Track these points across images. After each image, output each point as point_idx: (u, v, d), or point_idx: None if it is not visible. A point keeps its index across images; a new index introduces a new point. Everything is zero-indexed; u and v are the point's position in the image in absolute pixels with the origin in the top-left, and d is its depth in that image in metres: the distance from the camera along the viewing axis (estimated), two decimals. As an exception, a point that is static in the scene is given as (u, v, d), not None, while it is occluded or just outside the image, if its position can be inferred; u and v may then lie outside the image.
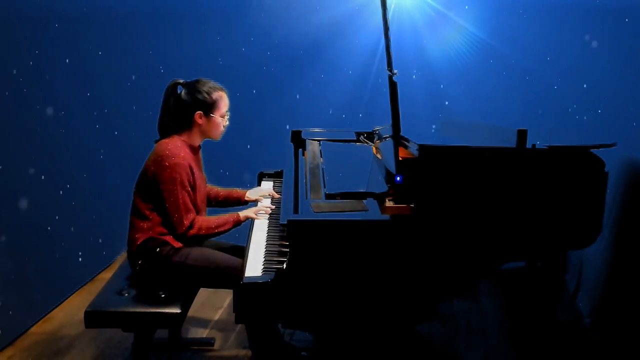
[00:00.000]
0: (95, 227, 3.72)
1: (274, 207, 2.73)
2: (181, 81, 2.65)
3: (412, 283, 2.14)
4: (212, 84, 2.63)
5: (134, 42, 3.92)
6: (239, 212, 2.67)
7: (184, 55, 3.95)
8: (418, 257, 2.13)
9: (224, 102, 2.64)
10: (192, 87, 2.61)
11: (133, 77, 3.90)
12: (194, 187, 2.58)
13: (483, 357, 2.97)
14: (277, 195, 2.91)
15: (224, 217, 2.63)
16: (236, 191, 2.95)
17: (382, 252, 2.10)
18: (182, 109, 2.61)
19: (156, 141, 2.64)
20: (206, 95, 2.59)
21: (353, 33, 4.07)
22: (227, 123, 2.70)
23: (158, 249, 2.54)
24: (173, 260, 2.54)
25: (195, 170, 2.60)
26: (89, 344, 3.04)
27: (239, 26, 4.06)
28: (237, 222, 2.65)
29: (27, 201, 3.09)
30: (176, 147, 2.55)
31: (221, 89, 2.65)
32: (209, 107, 2.60)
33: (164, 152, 2.53)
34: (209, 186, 2.91)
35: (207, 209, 2.87)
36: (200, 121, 2.61)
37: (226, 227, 2.61)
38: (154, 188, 2.53)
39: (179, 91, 2.64)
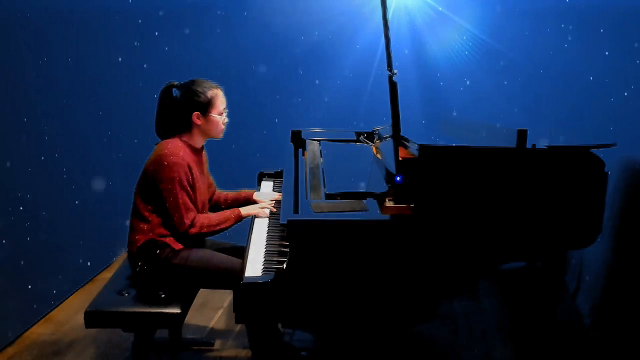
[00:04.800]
0: (95, 227, 3.72)
1: (274, 207, 2.72)
2: (175, 83, 2.63)
3: (412, 283, 2.14)
4: (206, 83, 2.61)
5: (135, 43, 3.92)
6: (239, 209, 2.67)
7: (184, 56, 3.95)
8: (418, 257, 2.13)
9: (220, 100, 2.62)
10: (187, 88, 2.59)
11: (134, 78, 3.90)
12: (193, 187, 2.57)
13: (483, 357, 2.97)
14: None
15: (225, 214, 2.62)
16: (244, 192, 2.95)
17: (382, 252, 2.10)
18: (180, 111, 2.59)
19: (157, 143, 2.64)
20: (201, 95, 2.57)
21: (353, 33, 4.06)
22: (227, 120, 2.68)
23: (158, 251, 2.54)
24: (173, 262, 2.54)
25: (195, 170, 2.59)
26: (89, 344, 3.04)
27: (239, 26, 4.06)
28: (239, 218, 2.65)
29: (28, 201, 3.09)
30: (175, 147, 2.55)
31: (216, 87, 2.63)
32: (206, 106, 2.59)
33: (163, 152, 2.52)
34: (219, 191, 2.91)
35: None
36: (198, 122, 2.60)
37: (228, 224, 2.61)
38: (154, 188, 2.53)
39: (174, 94, 2.63)
